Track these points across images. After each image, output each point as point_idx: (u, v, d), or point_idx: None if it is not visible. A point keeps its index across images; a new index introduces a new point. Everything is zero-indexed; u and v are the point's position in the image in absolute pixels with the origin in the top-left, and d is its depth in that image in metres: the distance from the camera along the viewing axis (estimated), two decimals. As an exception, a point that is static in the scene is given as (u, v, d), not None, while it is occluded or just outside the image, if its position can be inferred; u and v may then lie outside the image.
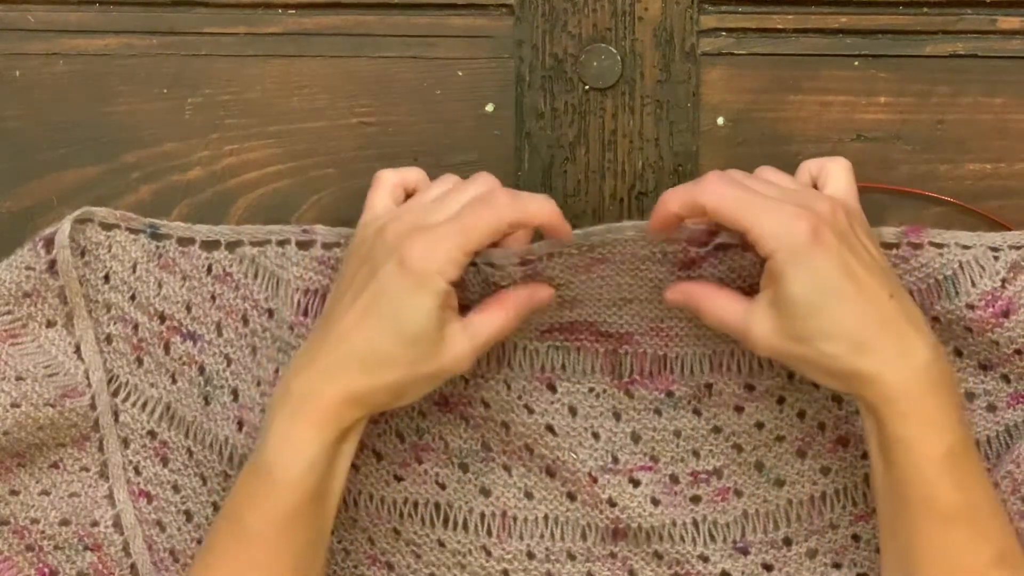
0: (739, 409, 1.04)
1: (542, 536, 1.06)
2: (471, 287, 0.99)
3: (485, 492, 1.06)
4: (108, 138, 1.07)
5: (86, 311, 1.06)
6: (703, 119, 1.06)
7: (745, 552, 1.05)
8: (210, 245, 1.06)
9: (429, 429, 1.06)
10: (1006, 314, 1.00)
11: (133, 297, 1.06)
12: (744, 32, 1.05)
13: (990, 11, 1.04)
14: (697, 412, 1.04)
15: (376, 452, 1.05)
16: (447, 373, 0.97)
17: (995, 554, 0.94)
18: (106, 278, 1.06)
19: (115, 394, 1.07)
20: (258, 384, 1.05)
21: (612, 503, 1.04)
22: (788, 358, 0.95)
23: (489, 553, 1.06)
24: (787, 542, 1.05)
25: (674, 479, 1.05)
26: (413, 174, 1.01)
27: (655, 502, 1.05)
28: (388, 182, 1.01)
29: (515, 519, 1.06)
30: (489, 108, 1.06)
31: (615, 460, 1.05)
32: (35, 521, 1.06)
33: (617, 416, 1.05)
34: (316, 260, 1.04)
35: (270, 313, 1.05)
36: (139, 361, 1.07)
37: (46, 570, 1.06)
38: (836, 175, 1.00)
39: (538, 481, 1.05)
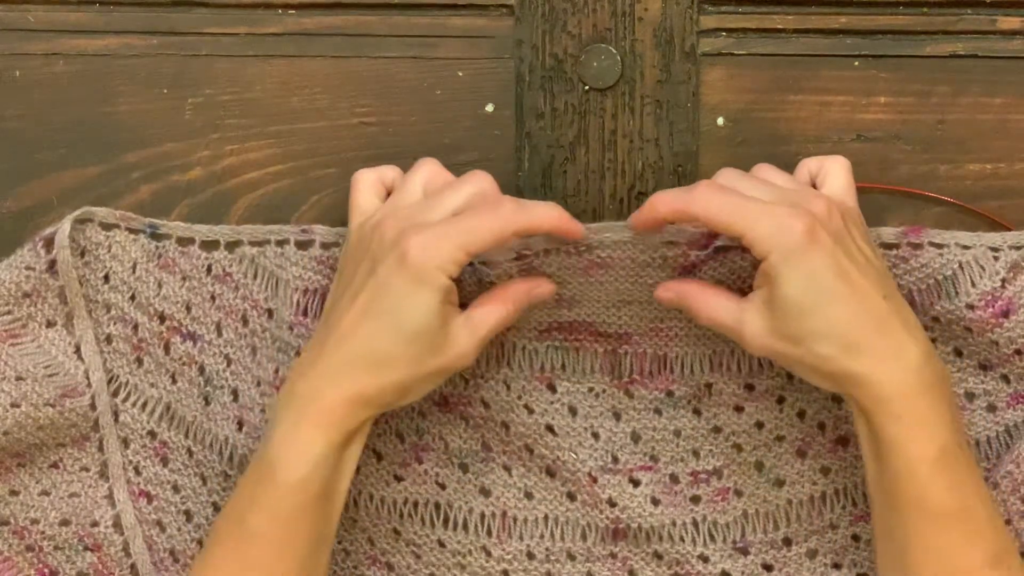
0: (739, 409, 1.04)
1: (542, 536, 1.06)
2: (465, 285, 0.99)
3: (485, 492, 1.06)
4: (108, 138, 1.07)
5: (86, 311, 1.06)
6: (703, 119, 1.06)
7: (745, 552, 1.05)
8: (210, 245, 1.06)
9: (429, 429, 1.06)
10: (1006, 314, 1.00)
11: (133, 297, 1.06)
12: (744, 32, 1.05)
13: (990, 11, 1.04)
14: (697, 412, 1.04)
15: (376, 452, 1.05)
16: (451, 369, 0.97)
17: (989, 554, 0.94)
18: (106, 278, 1.06)
19: (115, 394, 1.07)
20: (258, 384, 1.05)
21: (612, 503, 1.04)
22: (781, 358, 0.95)
23: (489, 553, 1.06)
24: (787, 542, 1.05)
25: (674, 479, 1.05)
26: (389, 172, 1.02)
27: (655, 502, 1.05)
28: (368, 180, 1.01)
29: (515, 519, 1.06)
30: (489, 108, 1.06)
31: (615, 460, 1.05)
32: (35, 521, 1.06)
33: (617, 416, 1.05)
34: (315, 260, 1.04)
35: (270, 313, 1.05)
36: (139, 361, 1.07)
37: (46, 570, 1.06)
38: (835, 174, 1.00)
39: (538, 481, 1.05)
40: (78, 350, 1.06)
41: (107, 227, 1.06)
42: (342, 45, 1.06)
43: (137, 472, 1.07)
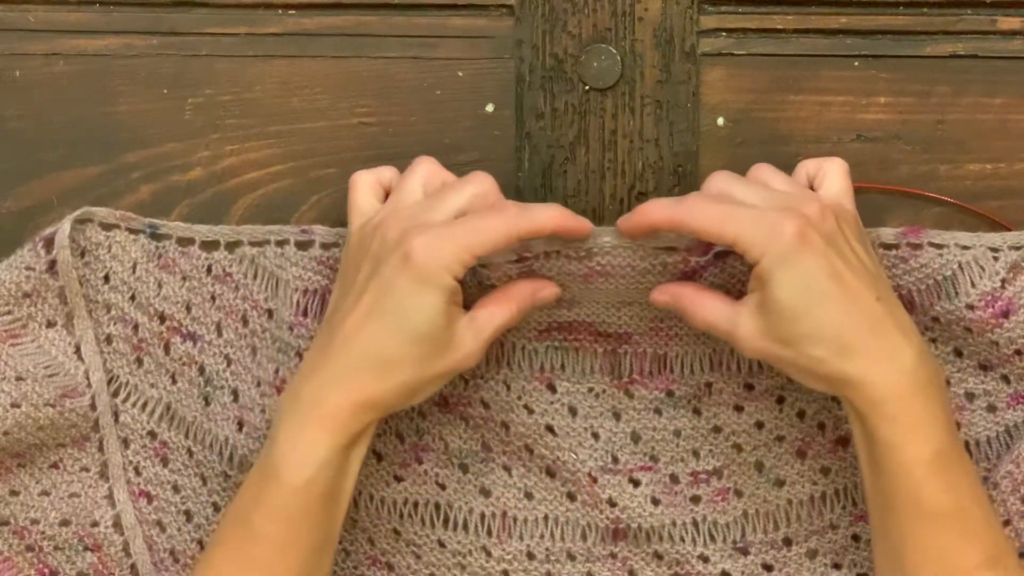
0: (739, 409, 1.04)
1: (542, 536, 1.06)
2: (466, 287, 0.99)
3: (485, 492, 1.06)
4: (108, 138, 1.07)
5: (86, 311, 1.06)
6: (703, 119, 1.06)
7: (745, 552, 1.05)
8: (210, 245, 1.06)
9: (429, 430, 1.06)
10: (1006, 314, 1.00)
11: (133, 297, 1.06)
12: (744, 32, 1.05)
13: (990, 11, 1.04)
14: (697, 412, 1.04)
15: (376, 452, 1.05)
16: (457, 371, 0.97)
17: (985, 555, 0.94)
18: (106, 278, 1.06)
19: (115, 394, 1.07)
20: (258, 384, 1.05)
21: (612, 503, 1.04)
22: (776, 361, 0.95)
23: (489, 553, 1.06)
24: (787, 542, 1.05)
25: (674, 479, 1.05)
26: (387, 172, 1.02)
27: (655, 502, 1.05)
28: (366, 182, 1.01)
29: (515, 519, 1.06)
30: (489, 108, 1.06)
31: (615, 460, 1.05)
32: (35, 521, 1.06)
33: (617, 416, 1.05)
34: (315, 260, 1.04)
35: (270, 313, 1.05)
36: (139, 361, 1.07)
37: (46, 570, 1.06)
38: (832, 176, 1.00)
39: (538, 481, 1.05)
40: (78, 350, 1.06)
41: (107, 227, 1.06)
42: (342, 45, 1.06)
43: (137, 472, 1.07)
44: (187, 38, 1.06)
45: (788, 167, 1.02)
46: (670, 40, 1.05)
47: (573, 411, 1.05)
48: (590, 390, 1.05)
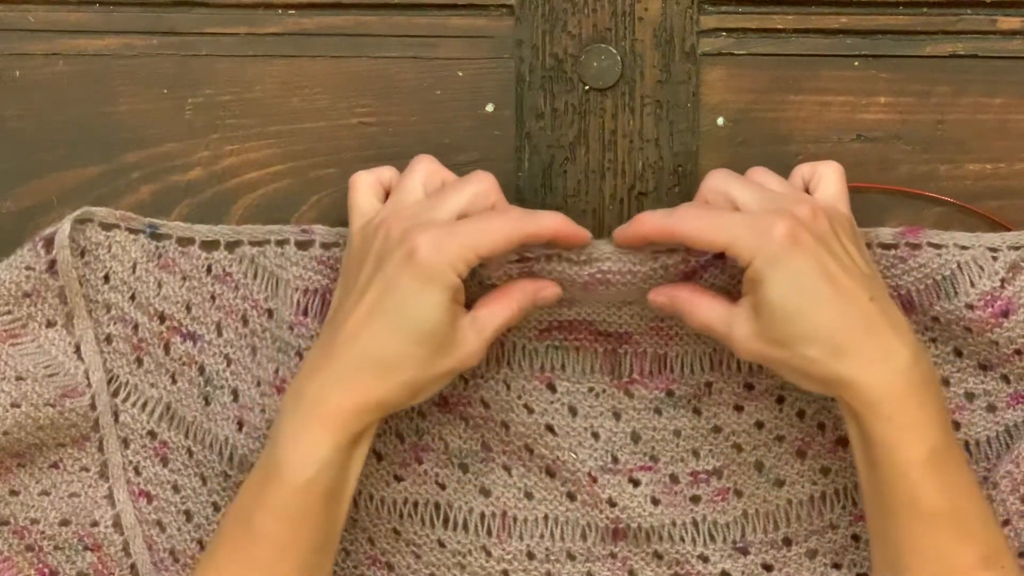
0: (739, 408, 1.04)
1: (542, 536, 1.06)
2: (466, 288, 0.99)
3: (485, 492, 1.06)
4: (108, 138, 1.07)
5: (86, 311, 1.06)
6: (703, 119, 1.06)
7: (745, 552, 1.05)
8: (210, 245, 1.06)
9: (429, 429, 1.06)
10: (1005, 314, 1.00)
11: (133, 297, 1.06)
12: (744, 32, 1.05)
13: (990, 11, 1.04)
14: (697, 411, 1.04)
15: (376, 452, 1.05)
16: (458, 370, 0.97)
17: (982, 555, 0.94)
18: (106, 278, 1.06)
19: (115, 394, 1.07)
20: (258, 384, 1.05)
21: (612, 503, 1.04)
22: (771, 363, 0.95)
23: (489, 553, 1.06)
24: (787, 542, 1.05)
25: (674, 479, 1.05)
26: (386, 172, 1.02)
27: (655, 502, 1.05)
28: (366, 182, 1.01)
29: (515, 519, 1.06)
30: (489, 108, 1.06)
31: (615, 460, 1.05)
32: (35, 521, 1.06)
33: (617, 416, 1.05)
34: (315, 260, 1.04)
35: (270, 313, 1.05)
36: (139, 361, 1.07)
37: (46, 570, 1.06)
38: (827, 179, 1.00)
39: (538, 481, 1.05)
40: (78, 350, 1.06)
41: (107, 227, 1.06)
42: (342, 45, 1.06)
43: (137, 472, 1.07)
44: (187, 38, 1.06)
45: (788, 167, 1.02)
46: (670, 40, 1.05)
47: (573, 411, 1.05)
48: (590, 390, 1.05)
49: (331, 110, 1.07)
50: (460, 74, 1.06)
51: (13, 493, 1.06)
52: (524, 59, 1.05)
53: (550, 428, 1.05)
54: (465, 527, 1.06)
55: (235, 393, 1.05)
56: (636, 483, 1.05)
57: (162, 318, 1.06)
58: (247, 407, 1.05)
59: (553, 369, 1.05)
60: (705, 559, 1.05)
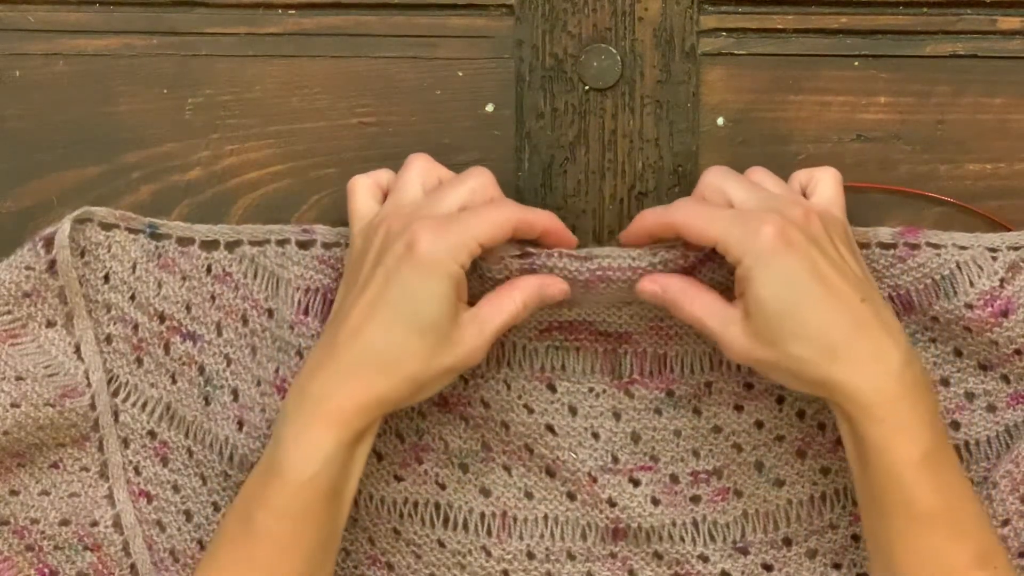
0: (739, 408, 1.04)
1: (542, 536, 1.06)
2: (471, 282, 0.99)
3: (485, 492, 1.06)
4: (108, 138, 1.07)
5: (86, 311, 1.06)
6: (703, 119, 1.06)
7: (745, 552, 1.05)
8: (209, 245, 1.06)
9: (429, 429, 1.06)
10: (1005, 314, 1.00)
11: (133, 297, 1.06)
12: (744, 32, 1.05)
13: (990, 11, 1.04)
14: (697, 411, 1.04)
15: (376, 452, 1.05)
16: (462, 367, 0.97)
17: (976, 555, 0.94)
18: (106, 278, 1.06)
19: (115, 394, 1.07)
20: (258, 384, 1.05)
21: (612, 503, 1.04)
22: (762, 363, 0.95)
23: (489, 553, 1.06)
24: (787, 542, 1.05)
25: (674, 479, 1.05)
26: (384, 175, 1.02)
27: (655, 502, 1.05)
28: (364, 185, 1.01)
29: (515, 519, 1.06)
30: (489, 108, 1.06)
31: (615, 460, 1.05)
32: (35, 521, 1.06)
33: (617, 416, 1.05)
34: (317, 259, 1.04)
35: (270, 313, 1.05)
36: (139, 361, 1.07)
37: (46, 570, 1.06)
38: (823, 183, 1.00)
39: (538, 481, 1.05)
40: (78, 350, 1.06)
41: (107, 227, 1.06)
42: (342, 45, 1.06)
43: (137, 472, 1.07)
44: (187, 38, 1.07)
45: (788, 167, 1.02)
46: (670, 40, 1.05)
47: (573, 411, 1.05)
48: (590, 390, 1.05)
49: (331, 110, 1.07)
50: (460, 74, 1.06)
51: (13, 493, 1.06)
52: (524, 59, 1.06)
53: (550, 428, 1.05)
54: (465, 527, 1.06)
55: (235, 393, 1.05)
56: (636, 483, 1.05)
57: (162, 318, 1.06)
58: (247, 407, 1.05)
59: (553, 369, 1.05)
60: (705, 559, 1.05)
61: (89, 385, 1.06)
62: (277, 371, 1.04)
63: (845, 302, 0.93)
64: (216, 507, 1.06)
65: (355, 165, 1.05)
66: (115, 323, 1.06)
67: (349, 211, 1.01)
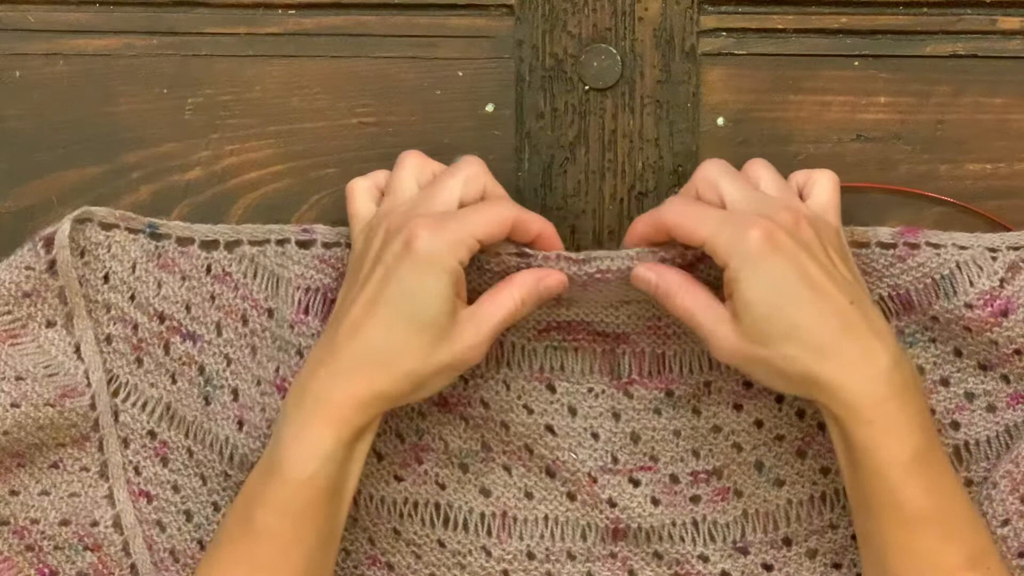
0: (738, 407, 1.04)
1: (542, 536, 1.06)
2: (469, 276, 0.99)
3: (485, 492, 1.06)
4: (108, 138, 1.07)
5: (86, 311, 1.06)
6: (703, 119, 1.06)
7: (745, 552, 1.05)
8: (209, 245, 1.06)
9: (429, 430, 1.06)
10: (1005, 313, 1.00)
11: (133, 297, 1.06)
12: (744, 32, 1.05)
13: (990, 11, 1.04)
14: (696, 411, 1.04)
15: (376, 452, 1.05)
16: (461, 363, 0.97)
17: (967, 555, 0.94)
18: (106, 278, 1.06)
19: (115, 394, 1.07)
20: (258, 384, 1.05)
21: (612, 503, 1.04)
22: (751, 362, 0.95)
23: (489, 553, 1.06)
24: (787, 542, 1.05)
25: (674, 479, 1.05)
26: (381, 176, 1.02)
27: (655, 502, 1.05)
28: (362, 187, 1.01)
29: (515, 519, 1.06)
30: (489, 108, 1.06)
31: (615, 460, 1.05)
32: (35, 521, 1.06)
33: (616, 416, 1.05)
34: (317, 258, 1.04)
35: (270, 312, 1.05)
36: (139, 361, 1.07)
37: (46, 570, 1.06)
38: (820, 186, 1.00)
39: (538, 481, 1.05)
40: (78, 350, 1.06)
41: (107, 227, 1.06)
42: (342, 45, 1.06)
43: (137, 472, 1.07)
44: (187, 38, 1.07)
45: (788, 167, 1.02)
46: (670, 40, 1.05)
47: (573, 411, 1.05)
48: (589, 390, 1.05)
49: (331, 110, 1.07)
50: (460, 74, 1.06)
51: (13, 493, 1.06)
52: (524, 59, 1.06)
53: (550, 428, 1.05)
54: (465, 527, 1.06)
55: (235, 393, 1.05)
56: (636, 483, 1.05)
57: (162, 318, 1.06)
58: (247, 407, 1.05)
59: (552, 370, 1.05)
60: (705, 559, 1.05)
61: (89, 385, 1.06)
62: (277, 371, 1.04)
63: (833, 304, 0.93)
64: (216, 507, 1.06)
65: (355, 165, 1.06)
66: (115, 323, 1.06)
67: (348, 214, 1.01)
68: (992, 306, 1.00)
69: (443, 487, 1.06)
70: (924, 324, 1.02)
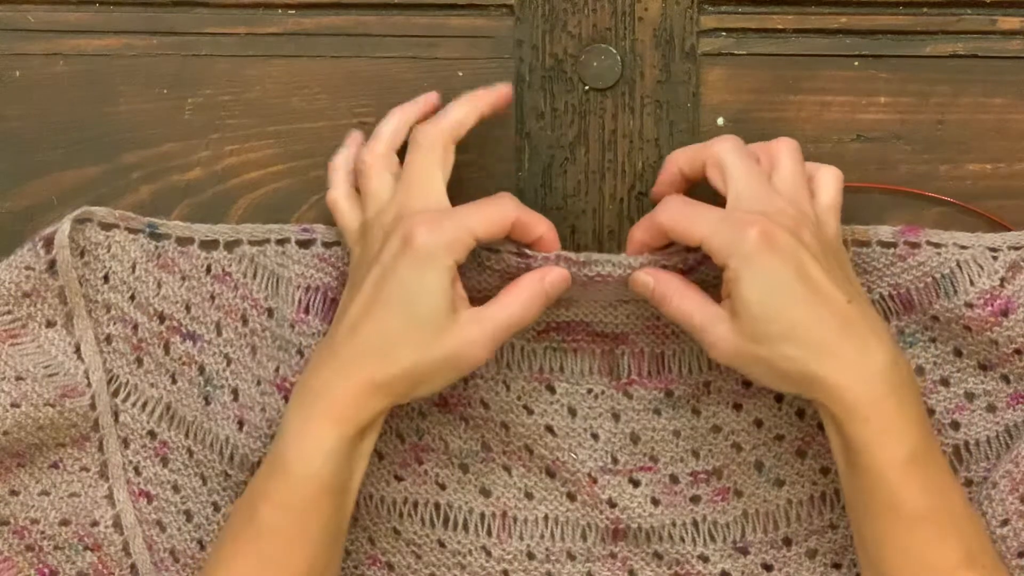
0: (738, 407, 1.04)
1: (542, 536, 1.06)
2: (467, 272, 0.99)
3: (485, 492, 1.06)
4: (108, 138, 1.07)
5: (86, 311, 1.06)
6: (703, 119, 1.06)
7: (745, 552, 1.05)
8: (209, 245, 1.06)
9: (429, 430, 1.06)
10: (1005, 313, 1.00)
11: (133, 297, 1.06)
12: (744, 32, 1.05)
13: (990, 11, 1.04)
14: (696, 411, 1.04)
15: (376, 452, 1.05)
16: (461, 359, 0.96)
17: (964, 554, 0.94)
18: (106, 278, 1.06)
19: (115, 394, 1.07)
20: (258, 383, 1.05)
21: (612, 503, 1.04)
22: (749, 361, 0.94)
23: (489, 553, 1.06)
24: (787, 542, 1.05)
25: (674, 479, 1.05)
26: (343, 169, 1.03)
27: (655, 502, 1.05)
28: (342, 197, 1.02)
29: (515, 519, 1.06)
30: (489, 108, 1.06)
31: (615, 461, 1.05)
32: (35, 521, 1.06)
33: (616, 417, 1.05)
34: (317, 257, 1.04)
35: (269, 312, 1.05)
36: (139, 361, 1.07)
37: (46, 570, 1.06)
38: (824, 186, 0.99)
39: (538, 481, 1.05)
40: (78, 350, 1.06)
41: (107, 227, 1.06)
42: (342, 45, 1.06)
43: (137, 472, 1.07)
44: (187, 38, 1.07)
45: (788, 167, 1.02)
46: (670, 40, 1.05)
47: (572, 412, 1.05)
48: (589, 391, 1.05)
49: (331, 110, 1.07)
50: (460, 74, 1.06)
51: (13, 493, 1.06)
52: (524, 59, 1.06)
53: (550, 429, 1.05)
54: (465, 527, 1.06)
55: (235, 392, 1.05)
56: (636, 484, 1.05)
57: (162, 318, 1.06)
58: (247, 406, 1.05)
59: (552, 370, 1.05)
60: (705, 559, 1.05)
61: (89, 385, 1.06)
62: (277, 370, 1.04)
63: (831, 303, 0.93)
64: (216, 507, 1.06)
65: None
66: (115, 323, 1.06)
67: (339, 227, 1.02)
68: (992, 305, 1.00)
69: (443, 487, 1.06)
70: (924, 324, 1.02)
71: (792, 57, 1.05)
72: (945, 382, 1.03)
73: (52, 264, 1.04)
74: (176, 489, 1.07)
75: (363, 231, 1.00)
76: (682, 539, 1.05)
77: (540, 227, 0.99)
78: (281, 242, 1.05)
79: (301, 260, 1.04)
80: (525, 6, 1.05)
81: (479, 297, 0.98)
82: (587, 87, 1.05)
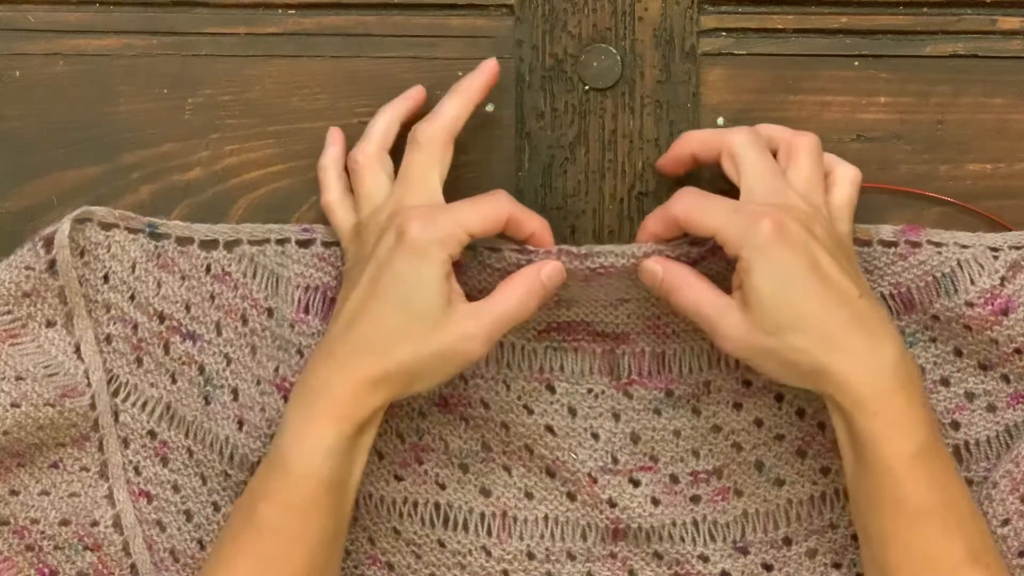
0: (738, 407, 1.04)
1: (542, 536, 1.06)
2: (468, 271, 0.99)
3: (485, 492, 1.06)
4: (108, 138, 1.07)
5: (86, 311, 1.06)
6: (703, 119, 1.06)
7: (745, 552, 1.05)
8: (209, 244, 1.06)
9: (429, 430, 1.06)
10: (1005, 312, 1.00)
11: (132, 297, 1.06)
12: (744, 32, 1.05)
13: (990, 11, 1.04)
14: (696, 411, 1.04)
15: (376, 452, 1.05)
16: (458, 354, 0.96)
17: (968, 551, 0.94)
18: (105, 278, 1.06)
19: (115, 394, 1.07)
20: (258, 383, 1.05)
21: (612, 503, 1.04)
22: (758, 353, 0.94)
23: (489, 553, 1.06)
24: (787, 542, 1.05)
25: (674, 479, 1.05)
26: (333, 169, 1.03)
27: (655, 502, 1.05)
28: (336, 199, 1.02)
29: (515, 519, 1.06)
30: (489, 108, 1.06)
31: (615, 460, 1.05)
32: (35, 521, 1.06)
33: (616, 417, 1.05)
34: (317, 257, 1.04)
35: (269, 312, 1.05)
36: (139, 361, 1.07)
37: (46, 570, 1.06)
38: (840, 185, 1.00)
39: (538, 481, 1.05)
40: (78, 350, 1.06)
41: (106, 227, 1.06)
42: (342, 45, 1.06)
43: (137, 472, 1.07)
44: (187, 38, 1.07)
45: (788, 167, 1.02)
46: (670, 40, 1.05)
47: (572, 411, 1.05)
48: (589, 391, 1.05)
49: (331, 110, 1.07)
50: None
51: (13, 493, 1.06)
52: (524, 59, 1.06)
53: (550, 429, 1.05)
54: (465, 527, 1.06)
55: (235, 392, 1.05)
56: (636, 483, 1.05)
57: (162, 318, 1.06)
58: (247, 406, 1.05)
59: (552, 370, 1.05)
60: (705, 559, 1.05)
61: (89, 385, 1.06)
62: (277, 370, 1.04)
63: (843, 296, 0.93)
64: (216, 507, 1.06)
65: (355, 165, 1.06)
66: (115, 323, 1.06)
67: (335, 229, 1.02)
68: (993, 304, 1.00)
69: (443, 487, 1.06)
70: (925, 323, 1.02)
71: (792, 57, 1.05)
72: (945, 382, 1.03)
73: (52, 264, 1.04)
74: (176, 489, 1.07)
75: (358, 231, 1.00)
76: (682, 539, 1.05)
77: (533, 223, 0.99)
78: (281, 242, 1.05)
79: (301, 260, 1.04)
80: (525, 6, 1.05)
81: (481, 296, 0.98)
82: (587, 87, 1.05)
